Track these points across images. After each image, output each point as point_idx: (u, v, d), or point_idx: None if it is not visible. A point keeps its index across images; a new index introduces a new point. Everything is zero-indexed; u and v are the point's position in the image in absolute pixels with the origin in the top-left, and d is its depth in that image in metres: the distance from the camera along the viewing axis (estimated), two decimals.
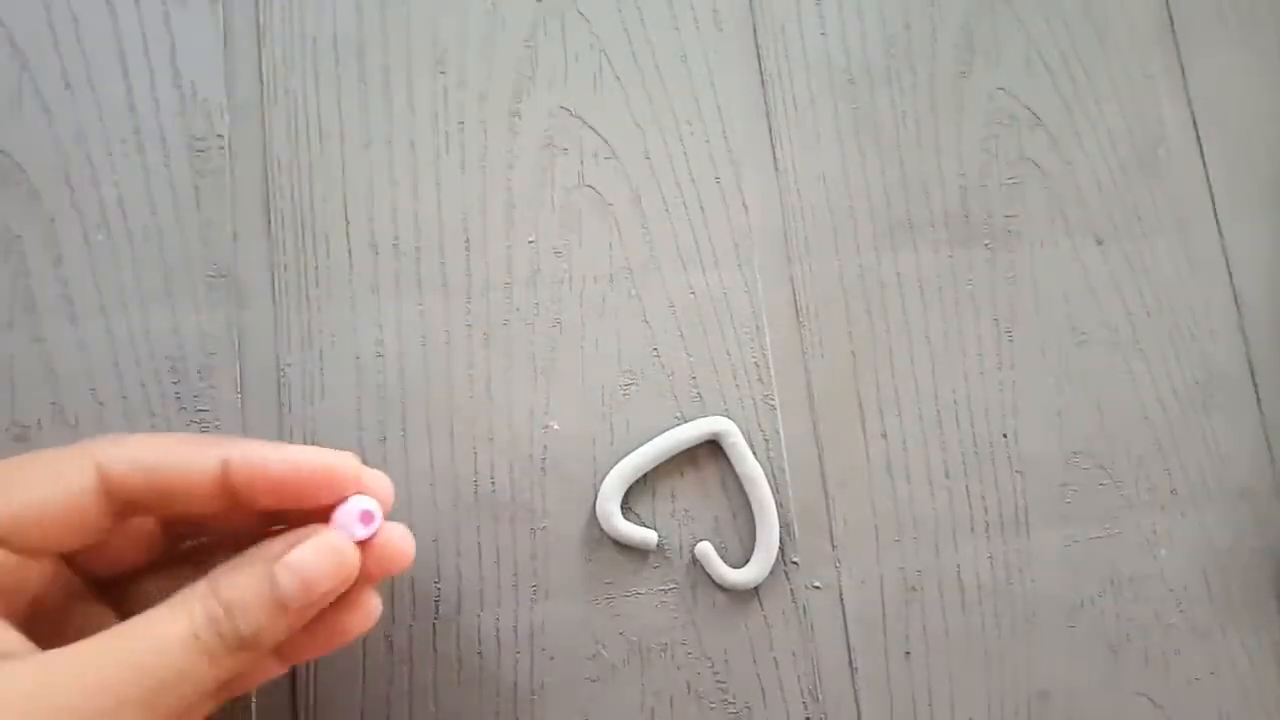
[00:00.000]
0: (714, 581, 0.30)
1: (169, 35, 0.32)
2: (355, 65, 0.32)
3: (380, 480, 0.24)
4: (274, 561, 0.22)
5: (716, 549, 0.30)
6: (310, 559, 0.22)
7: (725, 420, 0.31)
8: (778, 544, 0.30)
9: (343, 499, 0.23)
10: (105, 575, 0.25)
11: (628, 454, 0.30)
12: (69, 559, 0.24)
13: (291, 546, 0.22)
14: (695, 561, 0.31)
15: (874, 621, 0.31)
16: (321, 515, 0.23)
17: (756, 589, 0.31)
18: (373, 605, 0.25)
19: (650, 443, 0.30)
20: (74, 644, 0.20)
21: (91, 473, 0.22)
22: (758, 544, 0.30)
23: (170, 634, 0.21)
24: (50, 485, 0.22)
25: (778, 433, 0.32)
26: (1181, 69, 0.36)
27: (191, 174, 0.31)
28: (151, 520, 0.25)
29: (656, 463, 0.30)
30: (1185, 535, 0.33)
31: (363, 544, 0.23)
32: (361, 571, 0.23)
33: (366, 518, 0.23)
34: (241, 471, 0.23)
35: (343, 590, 0.23)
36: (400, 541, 0.24)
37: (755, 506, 0.31)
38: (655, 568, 0.30)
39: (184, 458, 0.23)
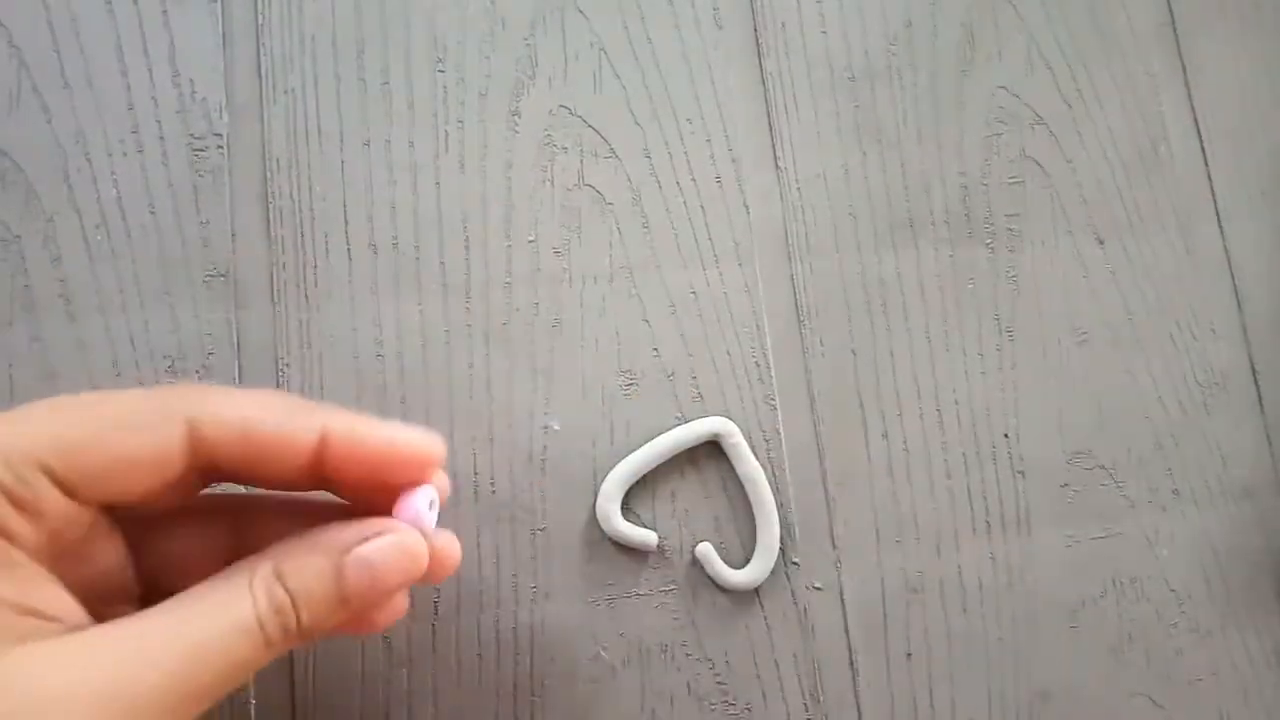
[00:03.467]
0: (714, 582, 0.30)
1: (168, 34, 0.32)
2: (354, 64, 0.32)
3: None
4: (343, 553, 0.21)
5: (717, 549, 0.30)
6: (386, 558, 0.21)
7: (725, 420, 0.31)
8: (778, 544, 0.30)
9: (409, 485, 0.22)
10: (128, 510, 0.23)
11: (628, 454, 0.30)
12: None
13: (361, 538, 0.21)
14: (695, 562, 0.30)
15: (875, 622, 0.31)
16: (385, 492, 0.22)
17: (757, 590, 0.31)
18: (402, 603, 0.24)
19: (650, 443, 0.30)
20: (130, 620, 0.19)
21: (181, 430, 0.20)
22: (758, 544, 0.30)
23: (234, 621, 0.20)
24: (135, 438, 0.20)
25: (778, 433, 0.32)
26: (1183, 67, 0.36)
27: (190, 173, 0.31)
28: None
29: (657, 463, 0.30)
30: (1187, 535, 0.33)
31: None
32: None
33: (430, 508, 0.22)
34: (340, 447, 0.21)
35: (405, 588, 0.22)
36: (453, 548, 0.23)
37: (756, 507, 0.30)
38: (655, 568, 0.30)
39: (282, 424, 0.21)
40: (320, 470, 0.22)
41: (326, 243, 0.31)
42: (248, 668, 0.20)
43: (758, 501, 0.30)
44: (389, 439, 0.22)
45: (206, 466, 0.21)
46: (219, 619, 0.20)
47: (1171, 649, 0.32)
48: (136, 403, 0.21)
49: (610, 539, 0.30)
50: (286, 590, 0.20)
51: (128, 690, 0.18)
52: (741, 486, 0.31)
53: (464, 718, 0.29)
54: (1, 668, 0.18)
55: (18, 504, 0.19)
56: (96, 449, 0.20)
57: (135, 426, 0.20)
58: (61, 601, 0.20)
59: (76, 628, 0.19)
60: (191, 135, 0.31)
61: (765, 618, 0.30)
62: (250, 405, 0.21)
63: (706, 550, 0.30)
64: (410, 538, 0.22)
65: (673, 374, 0.32)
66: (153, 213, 0.31)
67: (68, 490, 0.20)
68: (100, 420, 0.20)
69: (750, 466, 0.30)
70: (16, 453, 0.19)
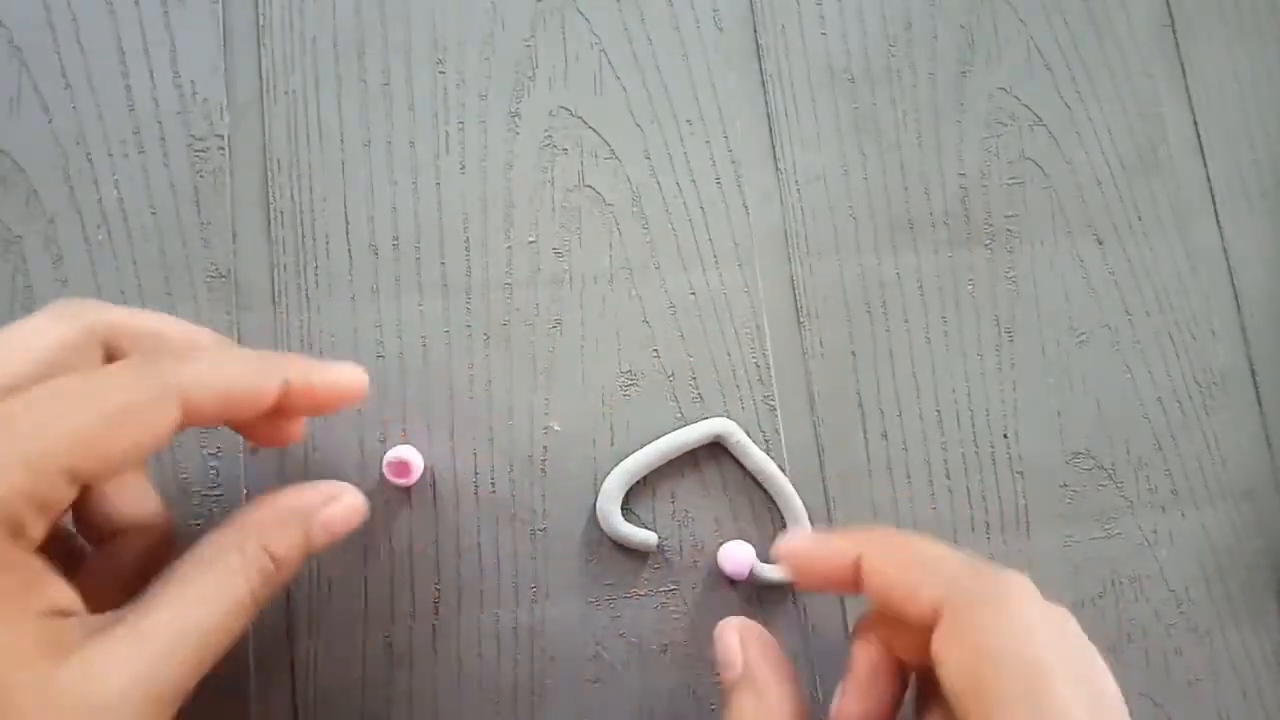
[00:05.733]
0: (754, 583, 0.30)
1: (168, 35, 0.32)
2: (355, 65, 0.32)
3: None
4: (310, 518, 0.24)
5: (723, 549, 0.30)
6: (342, 522, 0.25)
7: (726, 421, 0.31)
8: (810, 529, 0.30)
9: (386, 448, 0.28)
10: None
11: (628, 455, 0.30)
12: None
13: (327, 499, 0.25)
14: (697, 563, 0.31)
15: None
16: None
17: (757, 590, 0.31)
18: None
19: (652, 444, 0.30)
20: (143, 614, 0.20)
21: (175, 415, 0.21)
22: (791, 531, 0.30)
23: (235, 602, 0.22)
24: (142, 427, 0.21)
25: (778, 433, 0.32)
26: (1182, 68, 0.36)
27: (191, 174, 0.31)
28: None
29: (658, 464, 0.30)
30: (1186, 535, 0.33)
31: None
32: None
33: (404, 469, 0.29)
34: (296, 394, 0.24)
35: None
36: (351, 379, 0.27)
37: (776, 496, 0.30)
38: (655, 569, 0.30)
39: (254, 385, 0.23)
40: (279, 409, 0.24)
41: (327, 243, 0.31)
42: (241, 633, 0.22)
43: (776, 491, 0.30)
44: (333, 380, 0.25)
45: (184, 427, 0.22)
46: (222, 603, 0.21)
47: (1171, 649, 0.32)
48: (134, 384, 0.21)
49: (610, 539, 0.30)
50: (273, 561, 0.23)
51: (164, 683, 0.20)
52: (741, 487, 0.31)
53: (464, 718, 0.29)
54: (63, 681, 0.19)
55: (40, 508, 0.19)
56: (109, 445, 0.20)
57: (140, 415, 0.21)
58: (61, 589, 0.20)
59: (81, 615, 0.20)
60: (192, 136, 0.31)
61: (764, 618, 0.30)
62: (227, 368, 0.23)
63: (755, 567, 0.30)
64: (357, 500, 0.26)
65: (673, 374, 0.32)
66: (154, 213, 0.31)
67: (78, 482, 0.20)
68: (108, 412, 0.20)
69: (760, 460, 0.30)
70: (44, 459, 0.19)
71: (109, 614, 0.20)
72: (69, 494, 0.20)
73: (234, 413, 0.23)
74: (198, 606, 0.21)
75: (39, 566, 0.20)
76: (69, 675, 0.19)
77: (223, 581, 0.22)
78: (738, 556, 0.30)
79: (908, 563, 0.24)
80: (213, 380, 0.22)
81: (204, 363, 0.22)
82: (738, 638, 0.25)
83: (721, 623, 0.26)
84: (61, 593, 0.20)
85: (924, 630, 0.22)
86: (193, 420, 0.22)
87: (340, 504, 0.25)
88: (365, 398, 0.27)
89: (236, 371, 0.23)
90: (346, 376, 0.26)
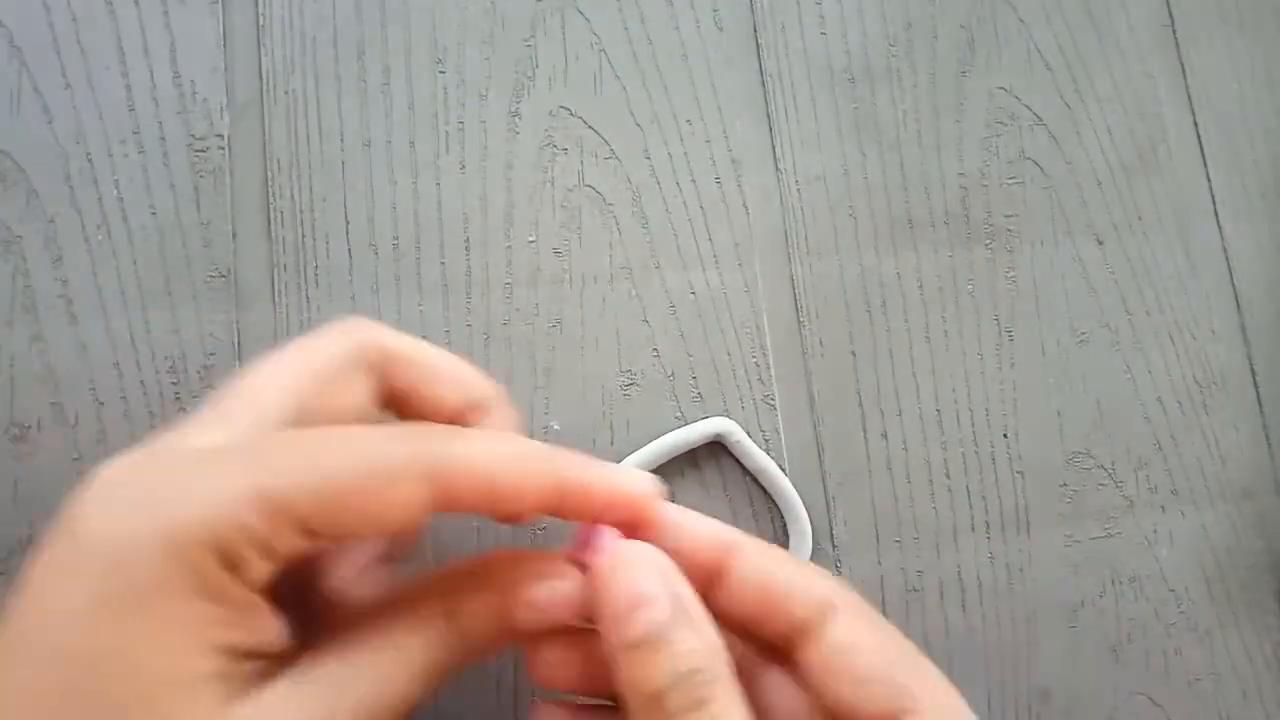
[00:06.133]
0: None
1: (169, 34, 0.32)
2: (355, 64, 0.32)
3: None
4: (513, 592, 0.22)
5: None
6: (553, 606, 0.22)
7: (726, 420, 0.31)
8: (810, 527, 0.30)
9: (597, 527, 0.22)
10: None
11: (628, 454, 0.30)
12: None
13: (534, 577, 0.22)
14: None
15: None
16: None
17: None
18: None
19: (652, 444, 0.30)
20: (321, 667, 0.19)
21: (425, 494, 0.20)
22: (792, 533, 0.30)
23: (413, 668, 0.20)
24: (387, 494, 0.19)
25: (778, 433, 0.32)
26: (1182, 68, 0.36)
27: (191, 174, 0.31)
28: None
29: (657, 464, 0.30)
30: (1186, 535, 0.33)
31: None
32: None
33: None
34: (568, 498, 0.21)
35: None
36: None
37: (776, 496, 0.30)
38: None
39: (522, 482, 0.21)
40: (544, 509, 0.22)
41: (327, 243, 0.31)
42: (417, 703, 0.20)
43: (776, 491, 0.30)
44: (617, 490, 0.22)
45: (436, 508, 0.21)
46: (399, 667, 0.20)
47: (1171, 648, 0.32)
48: (385, 451, 0.20)
49: None
50: (460, 633, 0.21)
51: None
52: (741, 487, 0.31)
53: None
54: None
55: (264, 551, 0.18)
56: (349, 504, 0.19)
57: (385, 485, 0.19)
58: (273, 628, 0.20)
59: (284, 658, 0.20)
60: (192, 135, 0.31)
61: None
62: (491, 454, 0.21)
63: None
64: (571, 586, 0.22)
65: (673, 374, 0.32)
66: (154, 213, 0.31)
67: (310, 536, 0.19)
68: (356, 470, 0.19)
69: (760, 460, 0.30)
70: (276, 502, 0.18)
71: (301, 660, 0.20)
72: (298, 545, 0.19)
73: (493, 507, 0.21)
74: (376, 667, 0.20)
75: (251, 602, 0.19)
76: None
77: (405, 642, 0.20)
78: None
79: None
80: (475, 468, 0.20)
81: (474, 445, 0.21)
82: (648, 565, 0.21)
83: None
84: (265, 630, 0.19)
85: (784, 634, 0.21)
86: (446, 504, 0.20)
87: (552, 588, 0.22)
88: (651, 509, 0.22)
89: (505, 464, 0.21)
90: (637, 487, 0.22)
